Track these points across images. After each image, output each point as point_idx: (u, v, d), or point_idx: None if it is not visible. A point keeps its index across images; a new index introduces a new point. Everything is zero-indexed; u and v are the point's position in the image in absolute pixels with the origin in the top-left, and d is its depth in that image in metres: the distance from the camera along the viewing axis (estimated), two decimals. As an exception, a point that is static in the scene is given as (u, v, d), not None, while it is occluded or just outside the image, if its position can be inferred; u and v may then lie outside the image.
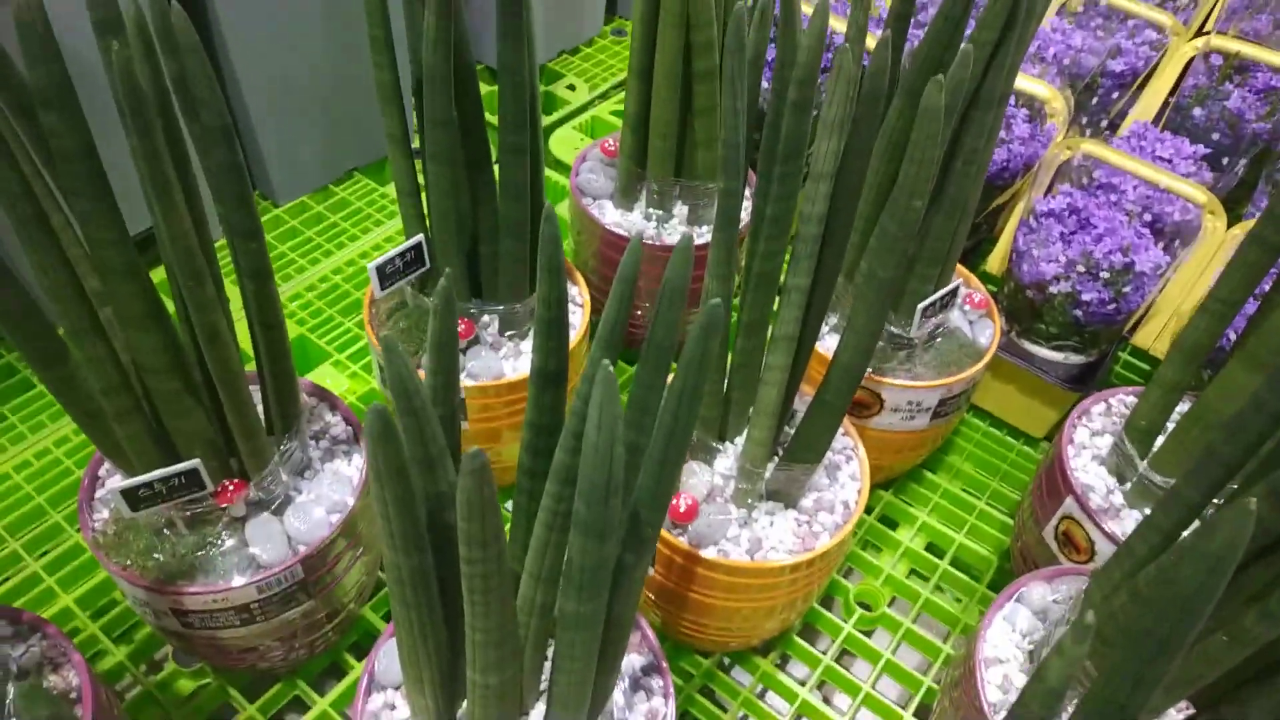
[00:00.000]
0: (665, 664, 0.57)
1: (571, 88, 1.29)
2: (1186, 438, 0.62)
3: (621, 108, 1.05)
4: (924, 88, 0.45)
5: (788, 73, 0.47)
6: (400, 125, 0.65)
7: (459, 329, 0.55)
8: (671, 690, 0.56)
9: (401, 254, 0.70)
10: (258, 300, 0.52)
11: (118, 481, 0.61)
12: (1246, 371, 0.57)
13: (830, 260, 0.49)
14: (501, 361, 0.73)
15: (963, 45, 0.52)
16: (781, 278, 0.55)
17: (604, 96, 1.28)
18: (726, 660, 0.76)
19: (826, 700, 0.74)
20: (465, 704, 0.52)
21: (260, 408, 0.61)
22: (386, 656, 0.55)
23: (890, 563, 0.82)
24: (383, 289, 0.70)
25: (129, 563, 0.59)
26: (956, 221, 0.66)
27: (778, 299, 0.56)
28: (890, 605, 0.80)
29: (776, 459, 0.64)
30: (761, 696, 0.74)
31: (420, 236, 0.70)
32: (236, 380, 0.52)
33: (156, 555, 0.58)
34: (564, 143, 1.17)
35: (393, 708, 0.55)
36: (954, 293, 0.71)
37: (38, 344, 0.52)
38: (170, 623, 0.61)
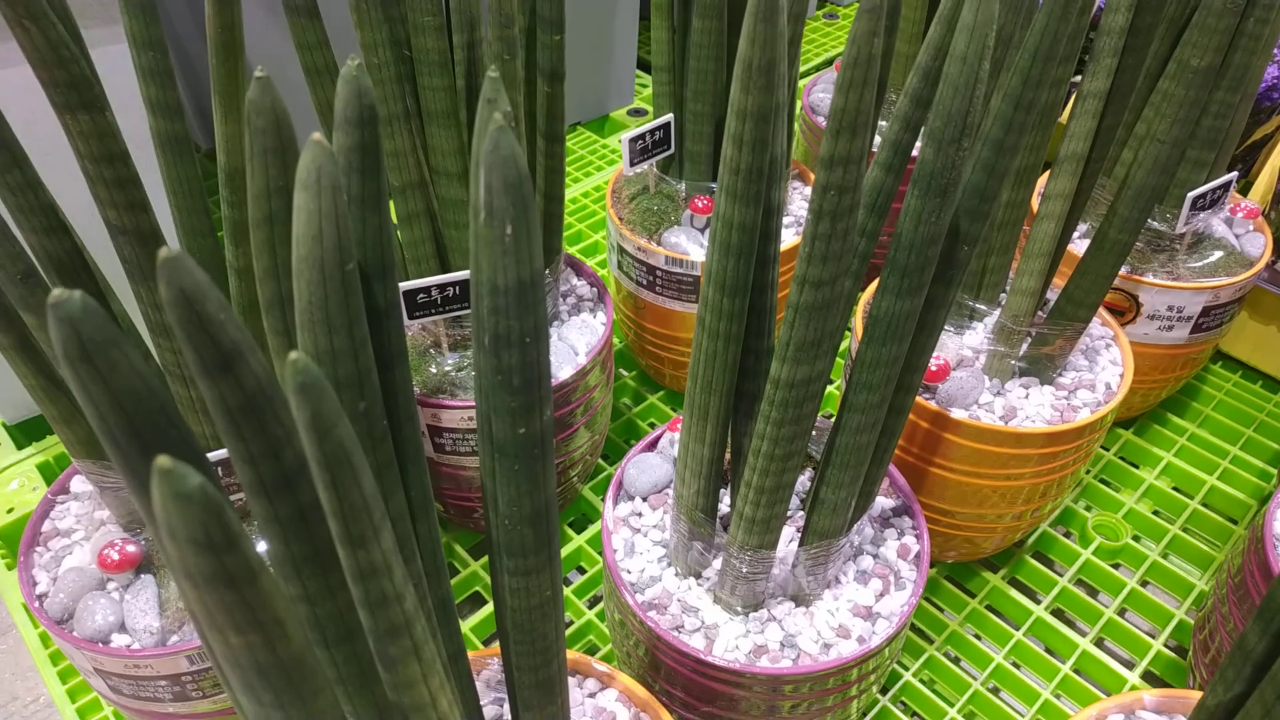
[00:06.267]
0: (917, 505, 0.55)
1: (783, 65, 1.31)
2: None
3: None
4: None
5: None
6: (668, -5, 0.68)
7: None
8: (924, 529, 0.54)
9: (651, 131, 0.72)
10: (548, 105, 0.55)
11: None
12: None
13: (1131, 65, 0.48)
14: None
15: None
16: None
17: (813, 72, 1.30)
18: (952, 574, 0.72)
19: (1062, 620, 0.69)
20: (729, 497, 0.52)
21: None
22: (635, 468, 0.56)
23: (1132, 498, 0.77)
24: (632, 165, 0.72)
25: (394, 377, 0.62)
26: (1239, 99, 0.62)
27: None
28: (1134, 540, 0.74)
29: (1031, 335, 0.61)
30: (990, 610, 0.70)
31: (670, 116, 0.72)
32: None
33: (431, 370, 0.62)
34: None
35: (639, 514, 0.55)
36: (1226, 188, 0.67)
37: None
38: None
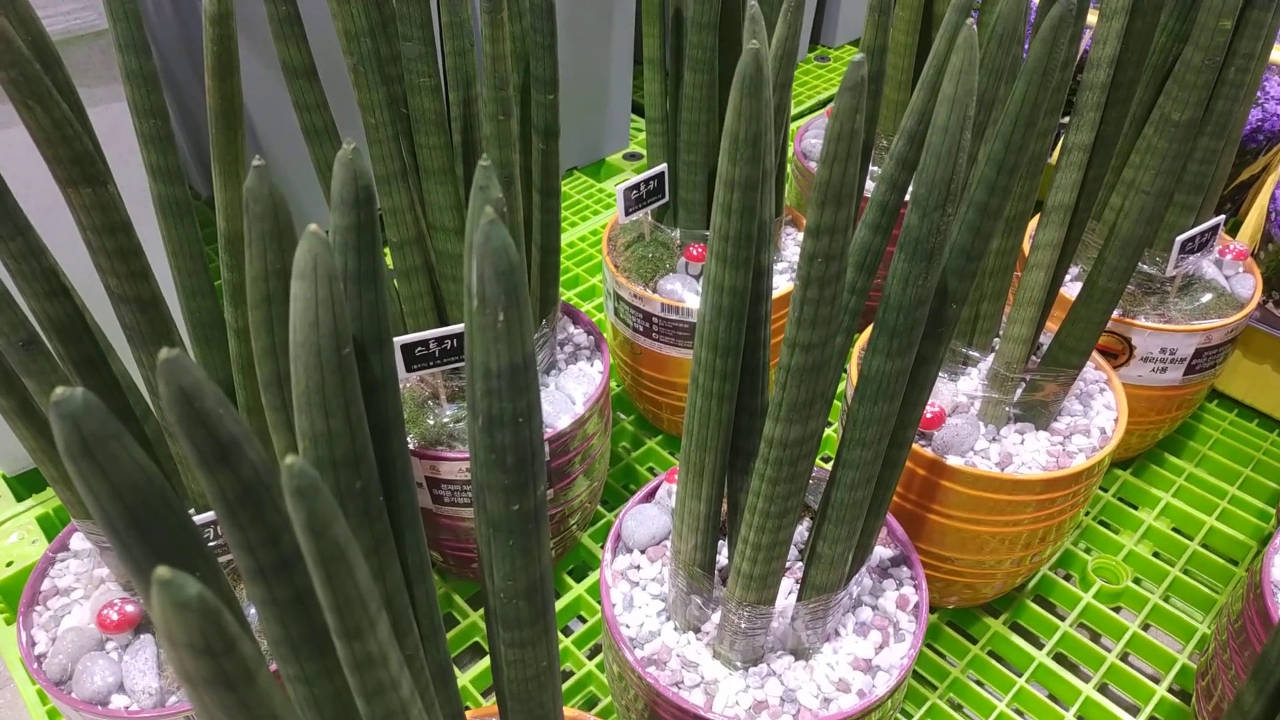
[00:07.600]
0: (915, 555, 0.55)
1: (777, 107, 1.33)
2: None
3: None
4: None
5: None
6: (660, 48, 0.69)
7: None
8: (923, 579, 0.54)
9: (646, 181, 0.73)
10: (543, 162, 0.56)
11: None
12: None
13: (1115, 118, 0.48)
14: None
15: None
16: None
17: (805, 114, 1.31)
18: (953, 620, 0.72)
19: (1064, 665, 0.68)
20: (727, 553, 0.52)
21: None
22: (633, 520, 0.56)
23: (1132, 540, 0.77)
24: (627, 214, 0.73)
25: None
26: (1223, 144, 0.63)
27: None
28: (1135, 583, 0.74)
29: (1025, 381, 0.62)
30: (992, 656, 0.70)
31: (664, 166, 0.73)
32: (515, 234, 0.55)
33: (429, 421, 0.62)
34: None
35: (638, 568, 0.55)
36: (1214, 231, 0.68)
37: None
38: (421, 498, 0.64)
